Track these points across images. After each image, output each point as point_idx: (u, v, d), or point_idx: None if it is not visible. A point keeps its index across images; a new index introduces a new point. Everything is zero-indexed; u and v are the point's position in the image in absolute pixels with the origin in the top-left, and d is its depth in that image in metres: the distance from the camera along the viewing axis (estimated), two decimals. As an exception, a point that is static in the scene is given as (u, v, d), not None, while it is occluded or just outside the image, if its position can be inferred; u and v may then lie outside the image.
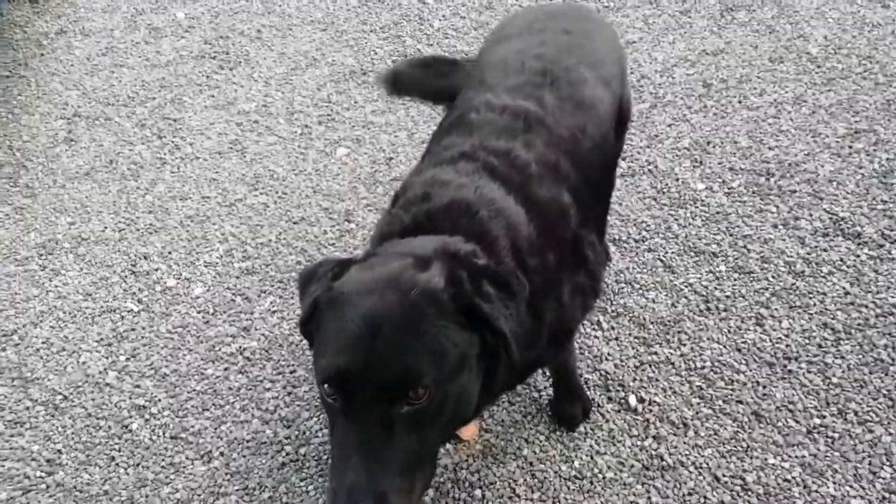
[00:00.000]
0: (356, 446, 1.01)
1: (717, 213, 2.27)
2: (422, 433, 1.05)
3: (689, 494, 1.71)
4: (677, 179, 2.38)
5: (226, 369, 2.06)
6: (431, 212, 1.29)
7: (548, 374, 1.94)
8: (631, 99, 1.88)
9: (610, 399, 1.90)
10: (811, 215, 2.21)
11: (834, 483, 1.69)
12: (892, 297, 2.00)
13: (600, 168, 1.63)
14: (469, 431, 1.85)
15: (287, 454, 1.86)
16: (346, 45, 3.18)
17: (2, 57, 3.35)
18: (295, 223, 2.46)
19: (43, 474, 1.87)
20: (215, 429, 1.93)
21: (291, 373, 2.03)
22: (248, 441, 1.90)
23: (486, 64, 1.69)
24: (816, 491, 1.68)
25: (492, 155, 1.38)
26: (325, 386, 1.05)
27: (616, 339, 2.02)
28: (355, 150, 2.69)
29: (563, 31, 1.67)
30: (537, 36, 1.66)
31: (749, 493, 1.70)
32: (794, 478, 1.71)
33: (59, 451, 1.92)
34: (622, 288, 2.12)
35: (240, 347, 2.11)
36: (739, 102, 2.59)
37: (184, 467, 1.86)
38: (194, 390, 2.02)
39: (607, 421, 1.86)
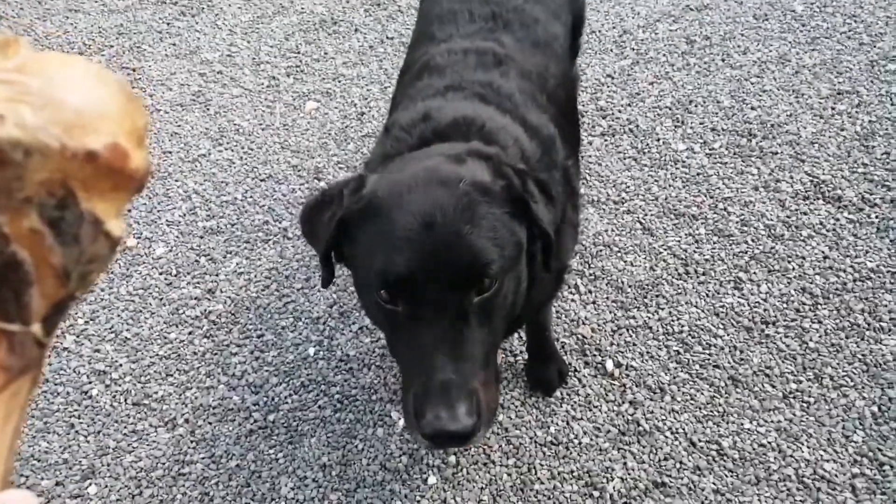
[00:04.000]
0: (436, 345, 0.96)
1: (698, 174, 2.22)
2: (492, 323, 1.02)
3: (665, 459, 1.70)
4: (658, 139, 2.32)
5: (190, 333, 1.98)
6: (438, 128, 1.25)
7: (523, 337, 1.90)
8: (583, 7, 1.85)
9: (587, 364, 1.87)
10: (792, 178, 2.17)
11: (808, 447, 1.69)
12: (871, 261, 1.98)
13: (568, 102, 1.62)
14: None
15: (255, 421, 1.80)
16: (316, -7, 3.03)
17: (-56, -2, 3.12)
18: (262, 180, 2.35)
19: (-3, 442, 1.78)
20: (179, 395, 1.86)
21: (259, 337, 1.96)
22: (213, 407, 1.83)
23: (431, 16, 1.63)
24: (791, 455, 1.68)
25: (477, 85, 1.36)
26: (384, 293, 0.99)
27: (593, 302, 1.98)
28: (325, 104, 2.58)
29: None
30: None
31: (725, 457, 1.69)
32: (769, 442, 1.71)
33: (14, 419, 1.83)
34: (600, 251, 2.07)
35: (204, 310, 2.03)
36: (723, 60, 2.52)
37: (147, 434, 1.79)
38: (157, 355, 1.94)
39: (584, 386, 1.83)
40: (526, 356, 1.87)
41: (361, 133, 2.46)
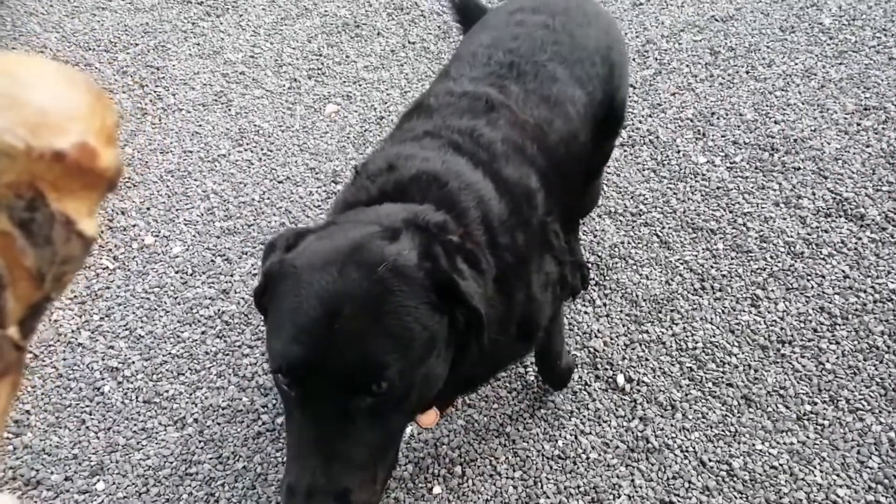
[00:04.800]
0: (313, 442, 0.94)
1: (718, 188, 2.19)
2: (384, 423, 0.98)
3: (674, 478, 1.67)
4: (678, 151, 2.29)
5: (203, 333, 2.00)
6: (399, 182, 1.21)
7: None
8: (625, 101, 1.74)
9: (597, 377, 1.85)
10: (814, 194, 2.14)
11: (821, 472, 1.66)
12: (892, 282, 1.94)
13: (571, 163, 1.53)
14: (429, 419, 1.56)
15: (263, 423, 1.81)
16: (340, -4, 3.04)
17: (-23, -6, 3.19)
18: (280, 182, 2.36)
19: (10, 435, 1.81)
20: (190, 394, 1.87)
21: (271, 339, 1.96)
22: (223, 408, 1.84)
23: (456, 55, 1.61)
24: (803, 479, 1.65)
25: (455, 133, 1.32)
26: (279, 375, 0.96)
27: (607, 315, 1.96)
28: (345, 107, 2.58)
29: (544, 25, 1.56)
30: (514, 28, 1.56)
31: (735, 478, 1.66)
32: (781, 465, 1.68)
33: (28, 412, 1.86)
34: (616, 263, 2.05)
35: (218, 310, 2.04)
36: (747, 73, 2.48)
37: (156, 433, 1.81)
38: (170, 353, 1.96)
39: (594, 400, 1.81)
40: (535, 367, 1.86)
41: (380, 137, 2.47)
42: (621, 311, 1.96)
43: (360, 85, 2.66)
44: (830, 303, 1.92)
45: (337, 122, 2.53)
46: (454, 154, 1.27)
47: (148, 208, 2.33)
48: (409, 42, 2.81)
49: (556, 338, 1.72)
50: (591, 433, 1.76)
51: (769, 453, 1.70)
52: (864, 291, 1.93)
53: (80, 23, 3.02)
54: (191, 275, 2.14)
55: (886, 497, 1.61)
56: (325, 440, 0.93)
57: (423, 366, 0.99)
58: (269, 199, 2.32)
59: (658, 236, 2.10)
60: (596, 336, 1.92)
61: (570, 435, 1.76)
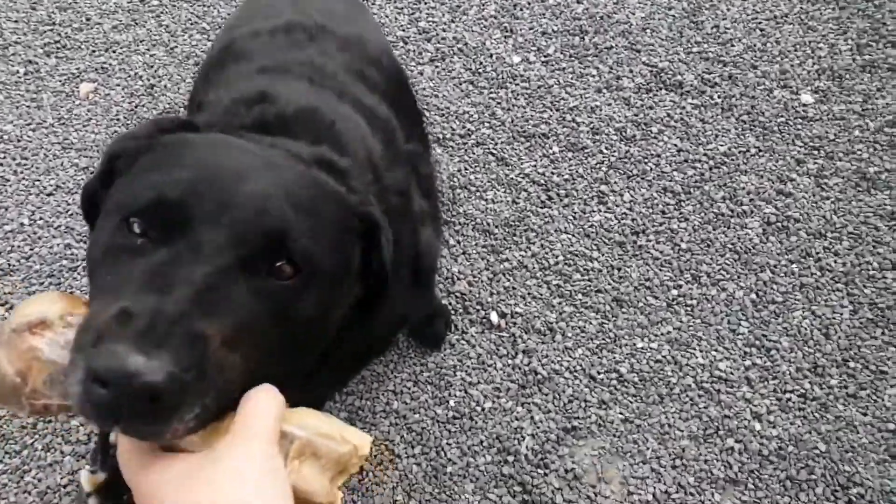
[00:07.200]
0: (180, 281, 0.61)
1: (539, 86, 2.07)
2: (277, 311, 0.68)
3: (570, 402, 1.64)
4: (491, 55, 2.13)
5: None
6: (282, 115, 0.99)
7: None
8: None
9: (472, 322, 1.74)
10: (632, 72, 2.08)
11: (701, 351, 1.69)
12: (721, 145, 1.96)
13: (399, 73, 1.47)
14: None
15: None
16: (56, -58, 2.47)
17: None
18: (49, 195, 1.94)
19: None
20: (15, 485, 1.55)
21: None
22: None
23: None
24: (687, 364, 1.67)
25: (295, 65, 1.13)
26: (135, 221, 0.66)
27: (464, 253, 1.83)
28: (104, 82, 2.14)
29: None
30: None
31: (626, 383, 1.65)
32: (664, 357, 1.69)
33: None
34: (459, 194, 1.91)
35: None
36: (538, -48, 2.33)
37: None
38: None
39: (473, 346, 1.71)
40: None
41: (157, 109, 2.08)
42: (477, 245, 1.84)
43: (114, 52, 2.20)
44: (671, 181, 1.91)
45: (98, 104, 2.10)
46: (313, 87, 1.08)
47: None
48: (159, -14, 2.36)
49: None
50: (479, 382, 1.66)
51: (650, 348, 1.70)
52: (699, 161, 1.94)
53: None
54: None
55: (761, 357, 1.67)
56: (191, 284, 0.62)
57: (329, 282, 0.75)
58: (41, 218, 1.90)
59: (493, 154, 1.97)
60: (458, 278, 1.79)
61: (460, 391, 1.65)
